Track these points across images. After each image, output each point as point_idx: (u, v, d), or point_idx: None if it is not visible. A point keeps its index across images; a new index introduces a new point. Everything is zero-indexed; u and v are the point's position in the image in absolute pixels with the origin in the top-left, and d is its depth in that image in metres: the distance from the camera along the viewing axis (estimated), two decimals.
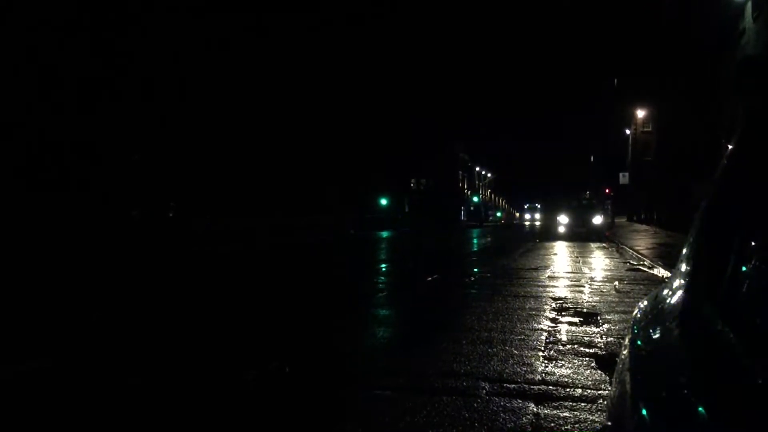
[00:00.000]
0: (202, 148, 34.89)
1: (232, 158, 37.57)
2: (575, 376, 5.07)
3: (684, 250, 1.59)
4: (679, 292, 1.47)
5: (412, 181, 73.57)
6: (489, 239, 32.61)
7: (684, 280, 1.48)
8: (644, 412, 1.18)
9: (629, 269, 14.38)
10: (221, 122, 36.80)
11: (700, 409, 1.02)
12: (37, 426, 4.18)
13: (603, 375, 5.05)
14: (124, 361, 5.90)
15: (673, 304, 1.46)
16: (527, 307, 8.73)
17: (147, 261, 16.52)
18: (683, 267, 1.53)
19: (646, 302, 1.79)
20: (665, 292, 1.63)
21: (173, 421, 4.25)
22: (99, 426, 4.17)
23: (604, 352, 5.84)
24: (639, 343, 1.49)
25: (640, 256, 17.54)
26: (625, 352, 1.56)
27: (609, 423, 1.44)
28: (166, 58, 32.06)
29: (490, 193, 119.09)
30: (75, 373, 5.44)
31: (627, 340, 1.61)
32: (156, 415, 4.38)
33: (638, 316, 1.71)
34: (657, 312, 1.56)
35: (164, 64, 32.09)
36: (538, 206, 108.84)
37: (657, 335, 1.43)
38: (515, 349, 6.03)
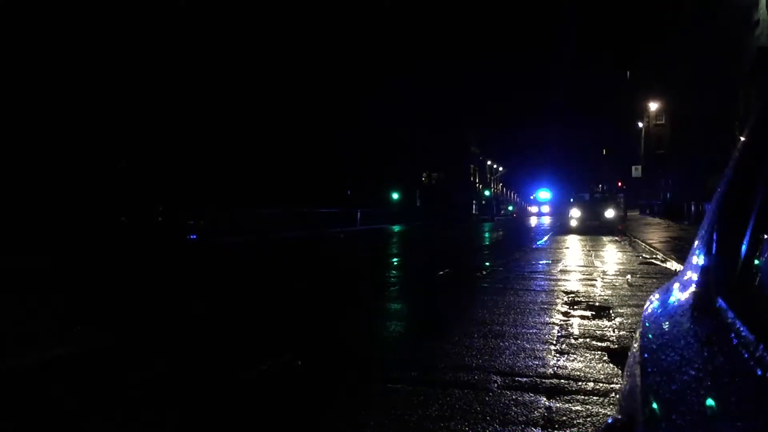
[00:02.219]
0: (202, 146, 34.83)
1: (235, 153, 37.50)
2: (587, 369, 5.06)
3: (695, 243, 1.58)
4: (691, 285, 1.46)
5: (424, 174, 73.42)
6: (501, 233, 32.53)
7: (695, 272, 1.47)
8: (655, 405, 1.17)
9: (642, 263, 14.30)
10: (227, 118, 36.74)
11: (711, 402, 1.02)
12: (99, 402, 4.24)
13: (615, 369, 5.04)
14: (147, 354, 5.96)
15: (685, 297, 1.46)
16: (539, 300, 8.72)
17: (145, 265, 16.57)
18: (695, 259, 1.53)
19: (657, 295, 1.79)
20: (676, 284, 1.62)
21: (192, 413, 4.29)
22: (135, 404, 4.22)
23: (616, 346, 5.82)
24: (650, 336, 1.48)
25: (652, 249, 17.44)
26: (636, 345, 1.56)
27: (620, 416, 1.43)
28: (159, 59, 32.04)
29: (502, 186, 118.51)
30: (107, 361, 5.50)
31: (638, 333, 1.61)
32: (179, 401, 4.43)
33: (649, 309, 1.71)
34: (668, 305, 1.55)
35: (158, 64, 32.07)
36: (547, 197, 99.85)
37: (668, 328, 1.43)
38: (527, 343, 6.02)
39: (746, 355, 1.00)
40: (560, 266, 13.69)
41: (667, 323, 1.45)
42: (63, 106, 27.14)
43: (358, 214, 41.78)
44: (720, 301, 1.23)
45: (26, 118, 25.79)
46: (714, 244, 1.41)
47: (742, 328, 1.07)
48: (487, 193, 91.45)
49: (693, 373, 1.11)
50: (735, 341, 1.06)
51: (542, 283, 10.78)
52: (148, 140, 31.98)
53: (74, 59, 27.49)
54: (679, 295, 1.52)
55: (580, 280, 11.25)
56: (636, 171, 46.48)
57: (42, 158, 26.08)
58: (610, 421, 1.40)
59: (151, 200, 29.78)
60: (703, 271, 1.41)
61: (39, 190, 25.06)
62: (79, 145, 27.95)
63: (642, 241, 20.47)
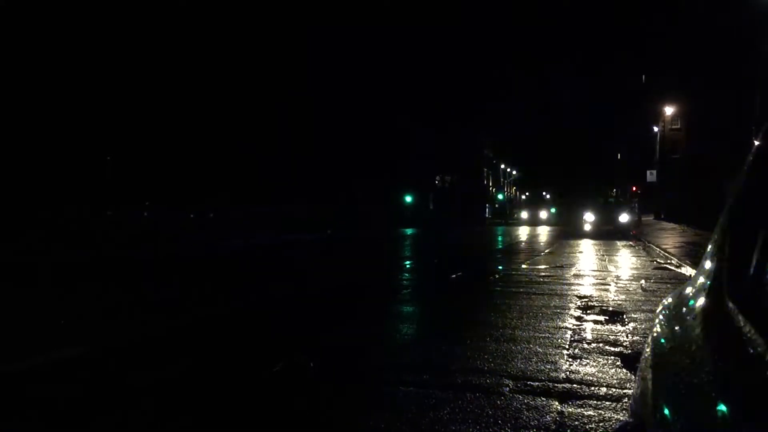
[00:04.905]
0: (199, 145, 34.83)
1: (236, 153, 37.45)
2: (600, 374, 5.04)
3: (708, 248, 1.58)
4: (703, 290, 1.46)
5: (437, 177, 73.29)
6: (514, 237, 32.40)
7: (707, 277, 1.47)
8: (665, 408, 1.18)
9: (656, 268, 14.21)
10: (224, 118, 36.67)
11: (722, 406, 1.02)
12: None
13: (628, 374, 5.01)
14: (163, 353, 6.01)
15: (697, 302, 1.46)
16: (552, 305, 8.69)
17: (129, 263, 16.54)
18: (707, 264, 1.52)
19: (670, 299, 1.79)
20: (689, 289, 1.62)
21: (202, 414, 4.32)
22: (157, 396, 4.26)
23: (629, 351, 5.79)
24: (662, 340, 1.48)
25: (667, 254, 17.32)
26: (648, 350, 1.56)
27: (631, 420, 1.44)
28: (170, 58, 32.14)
29: (516, 190, 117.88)
30: (135, 359, 5.55)
31: (650, 337, 1.61)
32: (198, 400, 4.46)
33: (661, 313, 1.71)
34: (680, 309, 1.55)
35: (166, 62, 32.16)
36: (548, 196, 76.26)
37: (679, 332, 1.43)
38: (539, 347, 6.01)
39: (757, 359, 1.01)
40: (574, 270, 13.63)
41: (678, 327, 1.46)
42: (44, 99, 27.20)
43: (367, 215, 41.56)
44: (731, 306, 1.23)
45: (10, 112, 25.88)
46: (726, 249, 1.41)
47: (753, 332, 1.07)
48: (500, 196, 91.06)
49: (704, 376, 1.11)
50: (746, 345, 1.06)
51: (555, 287, 10.73)
52: (140, 138, 31.96)
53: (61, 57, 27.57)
54: (691, 299, 1.52)
55: (594, 284, 11.19)
56: (651, 176, 46.07)
57: (21, 150, 26.12)
58: (621, 424, 1.40)
59: (138, 195, 29.75)
60: (716, 275, 1.41)
61: (19, 185, 25.10)
62: (63, 138, 28.00)
63: (656, 246, 20.34)
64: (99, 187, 28.63)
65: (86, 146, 29.34)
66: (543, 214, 58.03)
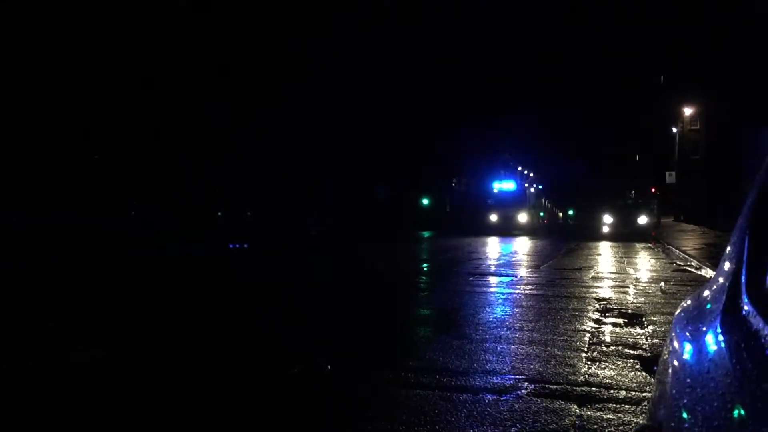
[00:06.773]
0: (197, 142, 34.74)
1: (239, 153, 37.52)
2: (619, 377, 5.01)
3: (727, 249, 1.57)
4: (722, 291, 1.45)
5: (454, 180, 73.12)
6: (531, 239, 32.25)
7: (726, 278, 1.46)
8: (683, 412, 1.17)
9: (676, 270, 14.08)
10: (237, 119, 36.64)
11: (741, 410, 1.01)
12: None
13: (648, 377, 4.98)
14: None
15: (715, 303, 1.45)
16: (570, 307, 8.64)
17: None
18: (726, 266, 1.51)
19: (689, 301, 1.77)
20: (707, 291, 1.61)
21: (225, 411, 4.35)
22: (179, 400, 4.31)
23: (648, 354, 5.75)
24: (680, 342, 1.48)
25: (687, 256, 17.15)
26: (666, 352, 1.55)
27: (649, 423, 1.43)
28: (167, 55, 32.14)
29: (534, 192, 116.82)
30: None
31: (669, 339, 1.60)
32: (219, 400, 4.50)
33: (681, 315, 1.70)
34: (699, 311, 1.55)
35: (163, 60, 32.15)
36: (532, 189, 54.78)
37: (698, 334, 1.42)
38: (558, 350, 5.98)
39: None
40: (592, 273, 13.54)
41: (697, 329, 1.45)
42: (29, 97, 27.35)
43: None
44: (750, 307, 1.22)
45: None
46: (745, 250, 1.40)
47: None
48: None
49: (722, 379, 1.10)
50: (764, 347, 1.06)
51: (573, 289, 10.67)
52: (131, 136, 31.93)
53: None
54: (710, 301, 1.51)
55: (613, 287, 11.12)
56: (670, 177, 45.63)
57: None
58: (638, 427, 1.39)
59: (127, 195, 29.76)
60: (734, 276, 1.40)
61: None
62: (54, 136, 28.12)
63: (676, 248, 20.13)
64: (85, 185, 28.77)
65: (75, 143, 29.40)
66: (522, 217, 39.56)
